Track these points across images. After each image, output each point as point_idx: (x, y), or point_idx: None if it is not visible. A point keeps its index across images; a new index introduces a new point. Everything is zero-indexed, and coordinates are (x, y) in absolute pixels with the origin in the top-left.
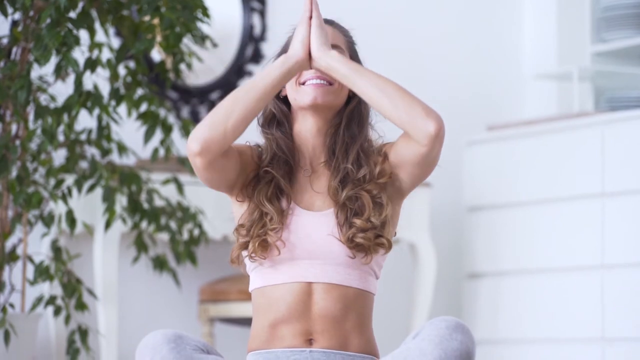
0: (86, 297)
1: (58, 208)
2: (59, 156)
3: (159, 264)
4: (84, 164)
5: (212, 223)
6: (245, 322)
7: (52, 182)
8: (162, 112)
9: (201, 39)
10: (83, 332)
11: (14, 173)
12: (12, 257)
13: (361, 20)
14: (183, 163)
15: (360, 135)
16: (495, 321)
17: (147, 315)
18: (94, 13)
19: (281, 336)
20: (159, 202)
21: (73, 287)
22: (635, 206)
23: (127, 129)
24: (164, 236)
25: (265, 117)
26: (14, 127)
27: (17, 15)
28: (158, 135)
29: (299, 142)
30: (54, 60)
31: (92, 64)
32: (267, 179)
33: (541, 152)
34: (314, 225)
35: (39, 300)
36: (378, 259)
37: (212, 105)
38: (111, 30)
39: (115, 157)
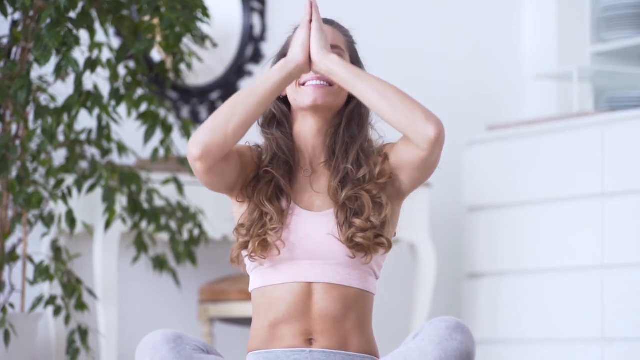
0: (86, 297)
1: (58, 208)
2: (59, 156)
3: (159, 264)
4: (84, 164)
5: (212, 223)
6: (245, 322)
7: (52, 182)
8: (162, 112)
9: (201, 39)
10: (83, 332)
11: (14, 173)
12: (12, 257)
13: (361, 20)
14: (183, 163)
15: (360, 135)
16: (495, 321)
17: (147, 315)
18: (94, 13)
19: (281, 336)
20: (159, 202)
21: (73, 287)
22: (635, 206)
23: (127, 129)
24: (164, 236)
25: (265, 117)
26: (14, 127)
27: (17, 15)
28: (158, 135)
29: (299, 142)
30: (54, 60)
31: (92, 64)
32: (267, 179)
33: (541, 152)
34: (314, 225)
35: (39, 300)
36: (378, 259)
37: (212, 105)
38: (111, 30)
39: (115, 157)
